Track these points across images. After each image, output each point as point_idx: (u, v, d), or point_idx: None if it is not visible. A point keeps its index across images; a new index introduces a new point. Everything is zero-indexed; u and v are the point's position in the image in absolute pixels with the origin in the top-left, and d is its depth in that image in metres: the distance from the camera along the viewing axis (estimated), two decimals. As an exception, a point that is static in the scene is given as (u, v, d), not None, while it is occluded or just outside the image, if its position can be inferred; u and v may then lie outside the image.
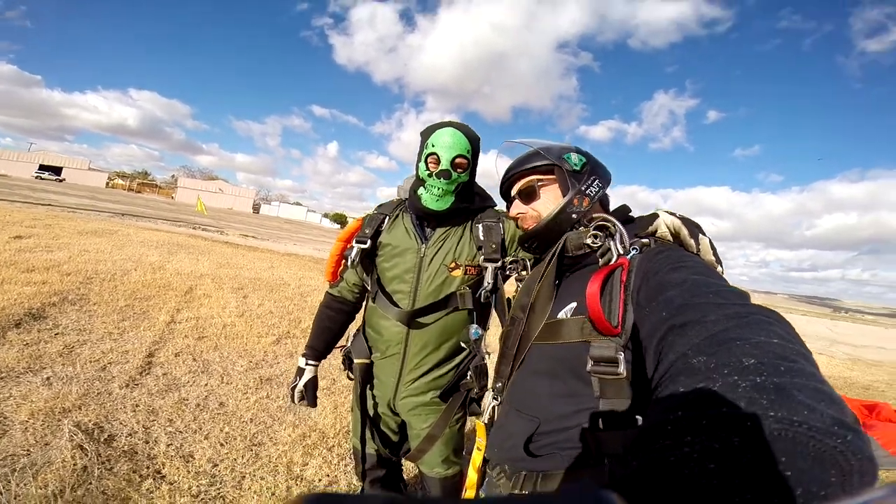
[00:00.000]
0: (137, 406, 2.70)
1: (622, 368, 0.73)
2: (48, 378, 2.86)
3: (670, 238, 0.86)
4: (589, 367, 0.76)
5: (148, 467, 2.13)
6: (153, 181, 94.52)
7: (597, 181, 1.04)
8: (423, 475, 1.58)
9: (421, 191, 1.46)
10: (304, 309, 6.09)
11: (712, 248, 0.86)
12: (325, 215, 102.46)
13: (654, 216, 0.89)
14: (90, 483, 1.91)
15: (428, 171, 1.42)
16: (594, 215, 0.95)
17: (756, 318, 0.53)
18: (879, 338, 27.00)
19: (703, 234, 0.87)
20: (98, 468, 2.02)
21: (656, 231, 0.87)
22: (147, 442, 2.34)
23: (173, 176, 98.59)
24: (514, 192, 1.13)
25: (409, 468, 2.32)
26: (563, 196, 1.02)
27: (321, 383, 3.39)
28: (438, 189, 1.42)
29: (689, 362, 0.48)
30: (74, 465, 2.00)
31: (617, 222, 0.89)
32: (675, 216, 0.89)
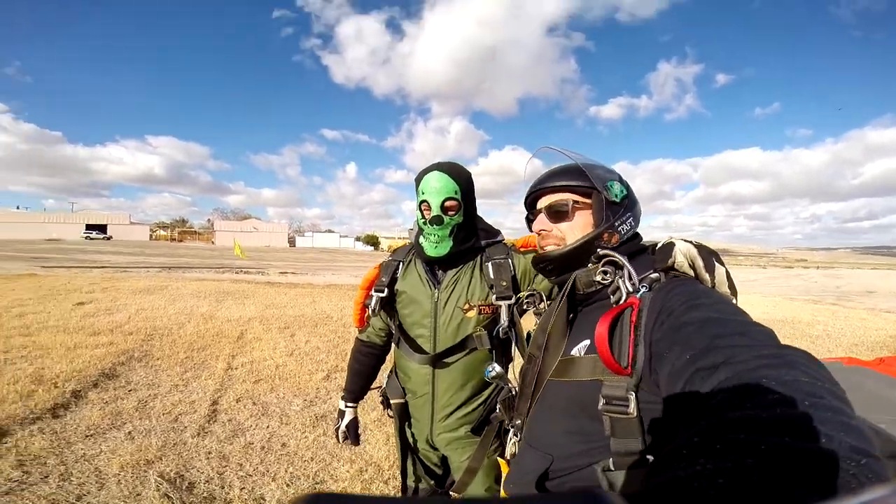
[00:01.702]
0: (210, 453, 2.93)
1: (632, 408, 0.72)
2: (129, 432, 3.15)
3: (689, 269, 0.84)
4: (600, 405, 0.76)
5: (227, 509, 2.32)
6: (191, 228, 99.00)
7: (631, 219, 0.99)
8: None
9: (421, 239, 1.49)
10: (348, 341, 6.25)
11: (728, 278, 0.85)
12: (358, 238, 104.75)
13: (671, 246, 0.87)
14: (180, 527, 2.12)
15: (423, 219, 1.44)
16: (602, 251, 0.91)
17: (786, 360, 0.52)
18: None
19: (720, 263, 0.86)
20: (184, 513, 2.23)
21: (673, 264, 0.85)
22: (223, 487, 2.55)
23: (209, 220, 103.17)
24: (542, 204, 1.04)
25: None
26: (594, 225, 0.97)
27: (372, 415, 3.59)
28: (434, 236, 1.44)
29: (715, 398, 0.50)
30: (164, 512, 2.22)
31: (624, 260, 0.86)
32: (692, 244, 0.87)
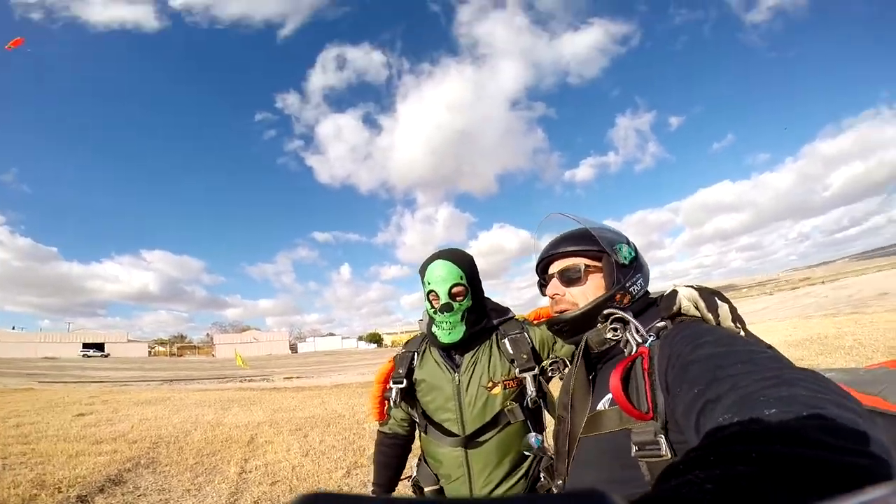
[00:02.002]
0: (233, 555, 2.61)
1: (664, 450, 0.73)
2: (143, 538, 2.82)
3: (695, 312, 0.87)
4: (633, 452, 0.77)
5: None
6: (191, 343, 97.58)
7: (641, 280, 1.02)
8: None
9: (434, 328, 1.50)
10: (364, 437, 5.95)
11: (732, 312, 0.88)
12: (360, 338, 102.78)
13: (674, 293, 0.90)
14: None
15: (433, 309, 1.46)
16: (607, 311, 0.95)
17: (786, 379, 0.54)
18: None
19: (723, 300, 0.89)
20: None
21: (679, 309, 0.88)
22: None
23: (208, 334, 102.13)
24: (554, 269, 1.08)
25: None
26: (606, 288, 1.00)
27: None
28: (446, 323, 1.44)
29: (717, 421, 0.52)
30: None
31: (629, 316, 0.91)
32: (693, 288, 0.90)
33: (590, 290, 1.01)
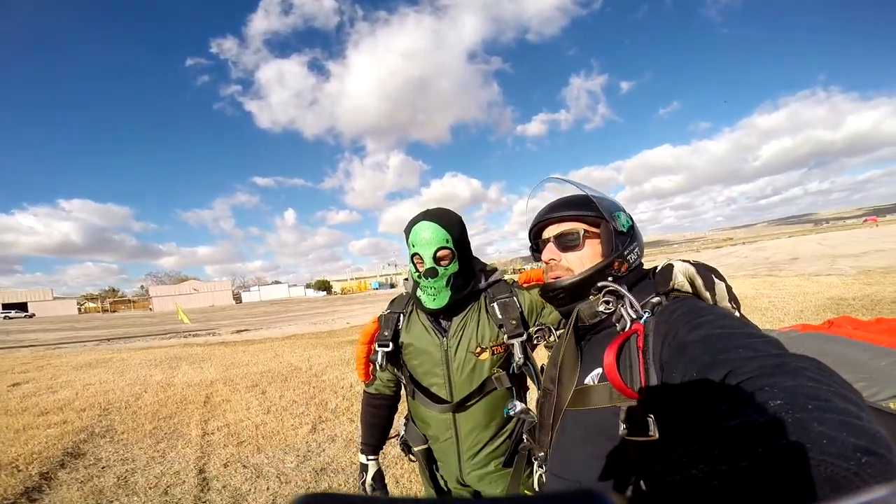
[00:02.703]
0: (215, 521, 2.71)
1: (653, 430, 0.71)
2: (119, 512, 2.86)
3: (689, 288, 0.86)
4: (621, 430, 0.75)
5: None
6: (124, 296, 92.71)
7: (637, 249, 1.00)
8: None
9: (419, 292, 1.46)
10: (324, 390, 6.05)
11: (728, 292, 0.87)
12: (308, 285, 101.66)
13: (670, 267, 0.88)
14: None
15: (417, 273, 1.42)
16: (601, 283, 0.93)
17: (789, 367, 0.52)
18: (871, 241, 27.58)
19: (720, 278, 0.87)
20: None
21: (674, 285, 0.87)
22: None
23: (142, 287, 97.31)
24: (550, 233, 1.04)
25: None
26: (603, 255, 0.97)
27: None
28: (431, 288, 1.40)
29: (718, 409, 0.50)
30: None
31: (623, 290, 0.88)
32: (690, 263, 0.89)
33: (587, 257, 0.98)
